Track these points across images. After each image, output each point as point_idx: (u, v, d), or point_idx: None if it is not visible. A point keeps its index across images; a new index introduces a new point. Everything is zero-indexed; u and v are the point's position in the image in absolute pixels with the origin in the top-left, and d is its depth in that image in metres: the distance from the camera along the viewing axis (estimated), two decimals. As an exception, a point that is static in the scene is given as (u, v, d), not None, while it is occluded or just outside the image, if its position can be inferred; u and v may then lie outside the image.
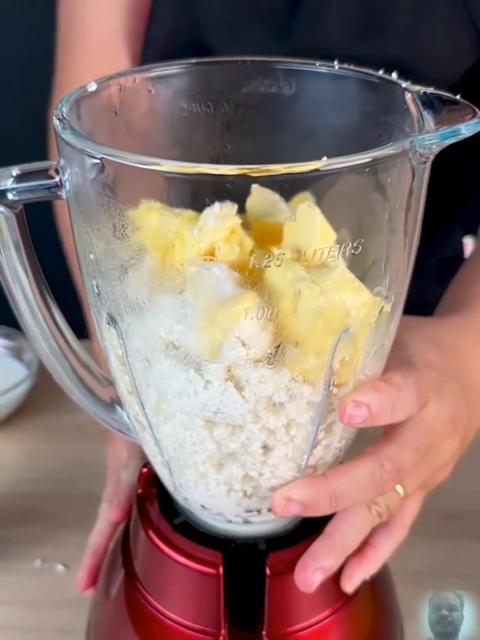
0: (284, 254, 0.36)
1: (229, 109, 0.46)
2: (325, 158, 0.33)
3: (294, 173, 0.33)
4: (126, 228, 0.37)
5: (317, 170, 0.33)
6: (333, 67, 0.44)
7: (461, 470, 0.71)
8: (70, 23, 0.83)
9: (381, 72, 0.42)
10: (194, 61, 0.45)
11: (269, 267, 0.36)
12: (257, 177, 0.33)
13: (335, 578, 0.47)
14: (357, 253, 0.36)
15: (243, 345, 0.37)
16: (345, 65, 0.44)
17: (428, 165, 0.37)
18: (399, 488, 0.47)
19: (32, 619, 0.61)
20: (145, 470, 0.50)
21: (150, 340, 0.39)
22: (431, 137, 0.35)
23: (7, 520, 0.70)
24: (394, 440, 0.45)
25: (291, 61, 0.45)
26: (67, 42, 0.83)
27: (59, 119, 0.37)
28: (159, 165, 0.33)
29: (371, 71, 0.43)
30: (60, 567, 0.66)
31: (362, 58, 0.74)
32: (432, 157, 0.37)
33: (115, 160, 0.34)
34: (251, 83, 0.45)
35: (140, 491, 0.49)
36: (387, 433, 0.45)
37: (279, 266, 0.36)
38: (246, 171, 0.33)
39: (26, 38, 1.27)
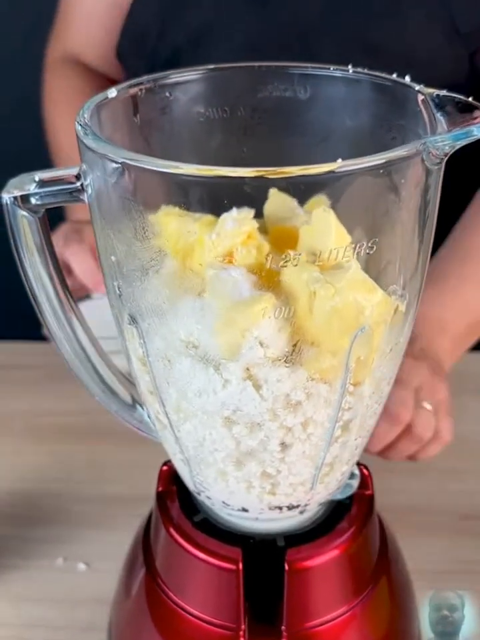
0: (300, 254, 0.37)
1: (246, 113, 0.46)
2: (339, 160, 0.34)
3: (309, 175, 0.34)
4: (146, 230, 0.37)
5: (331, 172, 0.34)
6: (347, 71, 0.45)
7: (465, 470, 0.72)
8: None
9: (394, 75, 0.43)
10: (211, 66, 0.46)
11: (286, 267, 0.37)
12: (273, 178, 0.34)
13: (353, 574, 0.48)
14: (371, 252, 0.37)
15: (261, 344, 0.38)
16: (359, 69, 0.44)
17: (442, 166, 0.38)
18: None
19: (55, 617, 0.62)
20: (165, 468, 0.51)
21: (170, 340, 0.40)
22: (443, 139, 0.36)
23: (31, 519, 0.71)
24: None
25: (305, 66, 0.46)
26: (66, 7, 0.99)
27: (80, 124, 0.38)
28: (178, 168, 0.34)
29: (384, 74, 0.43)
30: (82, 566, 0.67)
31: (339, 36, 0.77)
32: (445, 158, 0.37)
33: (136, 164, 0.35)
34: (267, 87, 0.46)
35: (160, 488, 0.50)
36: None
37: (295, 265, 0.37)
38: (263, 173, 0.34)
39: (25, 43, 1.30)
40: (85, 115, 0.39)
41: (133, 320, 0.41)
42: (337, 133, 0.46)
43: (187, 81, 0.46)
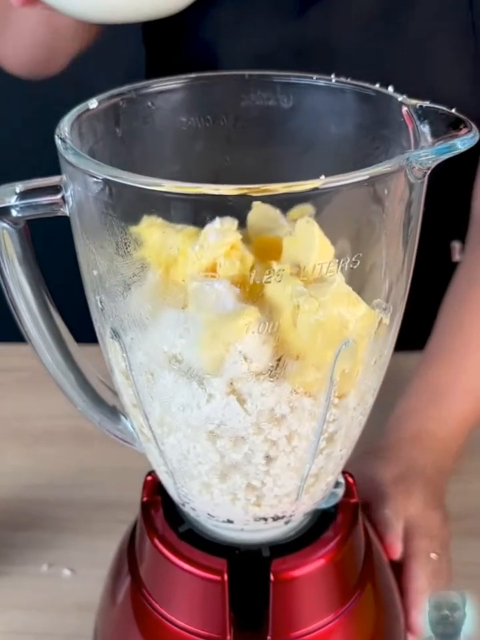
0: (284, 270, 0.36)
1: (228, 122, 0.46)
2: (322, 177, 0.34)
3: (293, 193, 0.34)
4: (128, 246, 0.37)
5: (315, 188, 0.34)
6: (330, 80, 0.44)
7: (462, 470, 0.72)
8: None
9: (377, 85, 0.43)
10: (193, 75, 0.46)
11: (269, 282, 0.37)
12: (256, 196, 0.34)
13: (338, 582, 0.48)
14: (355, 267, 0.37)
15: (245, 359, 0.38)
16: (342, 78, 0.44)
17: (425, 179, 0.38)
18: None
19: (40, 624, 0.62)
20: (149, 478, 0.51)
21: (153, 354, 0.39)
22: (426, 153, 0.36)
23: (14, 525, 0.71)
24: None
25: (288, 74, 0.45)
26: None
27: (60, 138, 0.38)
28: (160, 185, 0.34)
29: (367, 84, 0.43)
30: (66, 572, 0.66)
31: (365, 57, 0.76)
32: (429, 171, 0.37)
33: (117, 180, 0.35)
34: (250, 96, 0.46)
35: (145, 498, 0.50)
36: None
37: (279, 282, 0.36)
38: (246, 191, 0.33)
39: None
40: (65, 128, 0.39)
41: (116, 334, 0.40)
42: (320, 142, 0.45)
43: (169, 90, 0.45)
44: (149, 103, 0.44)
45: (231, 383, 0.38)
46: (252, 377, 0.38)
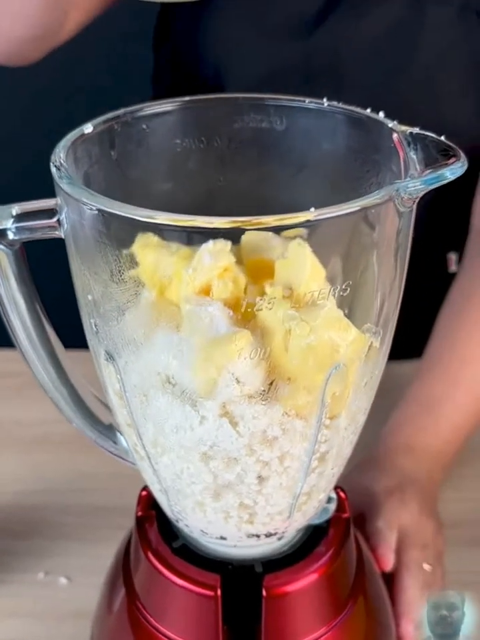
0: (275, 298, 0.37)
1: (222, 143, 0.47)
2: (313, 209, 0.34)
3: (285, 225, 0.34)
4: (123, 272, 0.38)
5: (307, 221, 0.34)
6: (322, 103, 0.45)
7: (458, 477, 0.72)
8: None
9: (368, 110, 0.43)
10: (187, 98, 0.46)
11: (261, 310, 0.37)
12: (248, 228, 0.34)
13: (331, 595, 0.49)
14: (345, 294, 0.37)
15: (238, 382, 0.38)
16: (334, 102, 0.45)
17: (414, 207, 0.39)
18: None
19: (37, 632, 0.62)
20: (143, 493, 0.52)
21: (147, 376, 0.40)
22: (415, 184, 0.36)
23: (11, 532, 0.71)
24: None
25: (281, 97, 0.46)
26: None
27: (55, 166, 0.38)
28: (154, 217, 0.34)
29: (358, 109, 0.44)
30: (63, 580, 0.67)
31: (374, 80, 0.77)
32: (417, 200, 0.38)
33: (111, 211, 0.35)
34: (243, 118, 0.46)
35: (140, 513, 0.51)
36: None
37: (270, 309, 0.37)
38: (239, 224, 0.34)
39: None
40: (61, 154, 0.39)
41: (110, 357, 0.41)
42: (312, 164, 0.46)
43: (164, 112, 0.46)
44: (144, 126, 0.45)
45: (224, 406, 0.39)
46: (244, 399, 0.39)
